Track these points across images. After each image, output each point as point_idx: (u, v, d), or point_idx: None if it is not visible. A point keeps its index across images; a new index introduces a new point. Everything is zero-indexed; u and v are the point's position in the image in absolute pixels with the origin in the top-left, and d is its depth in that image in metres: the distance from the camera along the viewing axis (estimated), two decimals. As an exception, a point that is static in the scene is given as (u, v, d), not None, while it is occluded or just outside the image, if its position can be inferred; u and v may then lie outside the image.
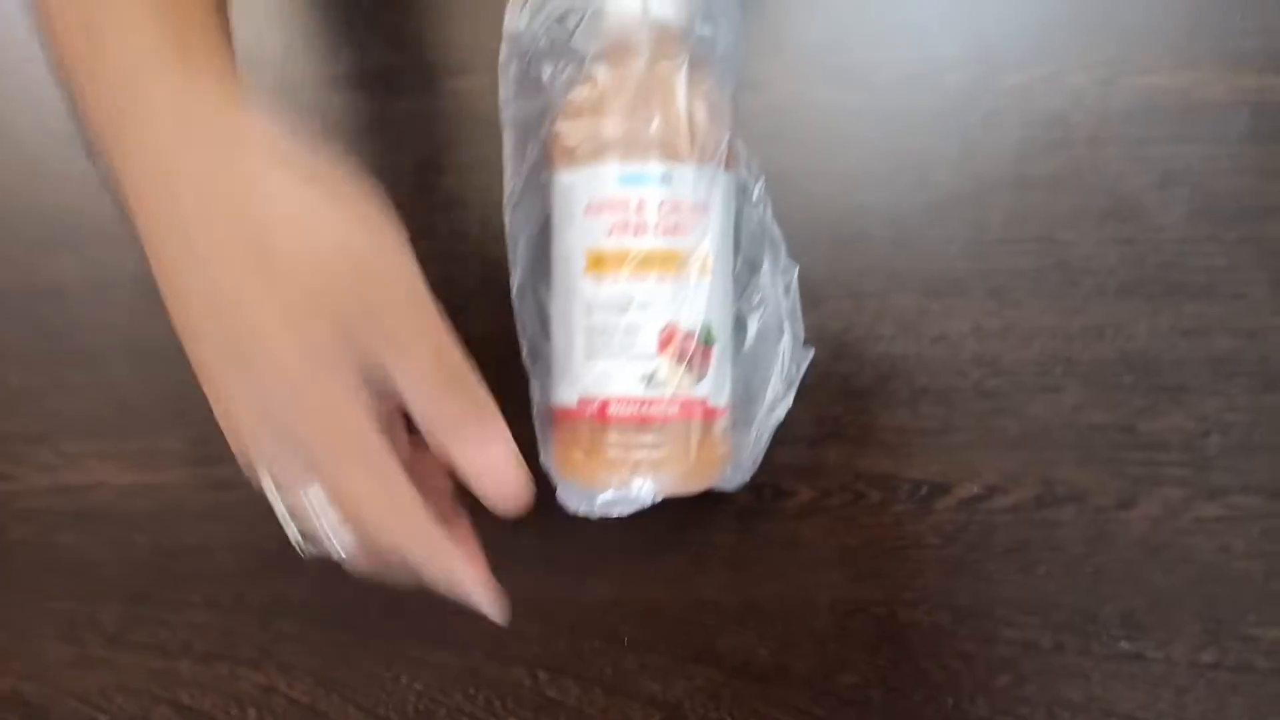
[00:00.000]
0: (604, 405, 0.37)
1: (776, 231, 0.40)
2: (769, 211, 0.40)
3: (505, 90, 0.38)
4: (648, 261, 0.36)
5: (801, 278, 0.42)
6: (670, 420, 0.37)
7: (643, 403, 0.37)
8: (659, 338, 0.36)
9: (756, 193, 0.40)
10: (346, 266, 0.27)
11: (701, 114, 0.37)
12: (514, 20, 0.38)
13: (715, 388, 0.38)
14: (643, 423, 0.37)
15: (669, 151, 0.36)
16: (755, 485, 0.43)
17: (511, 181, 0.39)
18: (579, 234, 0.37)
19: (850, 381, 0.42)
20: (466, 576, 0.30)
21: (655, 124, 0.36)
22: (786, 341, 0.40)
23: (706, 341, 0.37)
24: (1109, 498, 0.41)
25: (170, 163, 0.27)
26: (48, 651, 0.45)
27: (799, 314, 0.40)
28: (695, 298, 0.37)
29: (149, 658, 0.45)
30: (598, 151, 0.37)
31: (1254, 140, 0.40)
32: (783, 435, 0.43)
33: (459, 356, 0.29)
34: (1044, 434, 0.41)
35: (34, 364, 0.46)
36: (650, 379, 0.37)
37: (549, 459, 0.39)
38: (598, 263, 0.37)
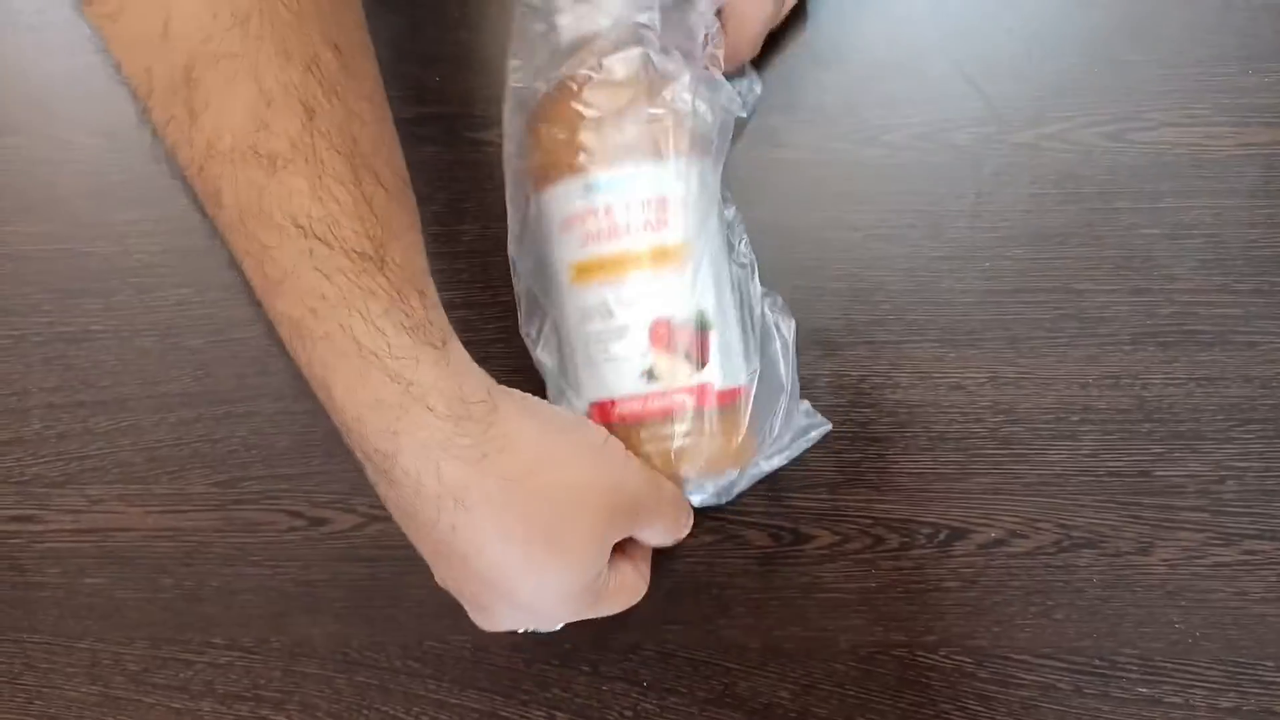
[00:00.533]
0: (611, 406, 0.38)
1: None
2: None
3: (509, 145, 0.39)
4: (622, 262, 0.37)
5: (820, 327, 0.43)
6: (685, 409, 0.38)
7: (647, 398, 0.37)
8: (650, 333, 0.37)
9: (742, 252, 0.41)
10: (615, 501, 0.36)
11: (648, 111, 0.38)
12: (514, 76, 0.39)
13: (723, 370, 0.38)
14: (663, 415, 0.38)
15: (623, 154, 0.37)
16: (775, 530, 0.44)
17: (513, 222, 0.41)
18: (560, 250, 0.39)
19: (869, 428, 0.43)
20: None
21: (606, 130, 0.37)
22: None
23: (701, 327, 0.38)
24: (1127, 542, 0.42)
25: (442, 454, 0.32)
26: (72, 691, 0.46)
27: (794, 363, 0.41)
28: (680, 288, 0.38)
29: (172, 698, 0.46)
30: (559, 167, 0.38)
31: (1265, 194, 0.41)
32: (802, 481, 0.44)
33: (678, 494, 0.39)
34: (1061, 480, 0.42)
35: (60, 408, 0.47)
36: (650, 374, 0.37)
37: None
38: (581, 273, 0.38)
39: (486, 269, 0.44)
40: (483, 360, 0.45)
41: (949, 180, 0.43)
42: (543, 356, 0.41)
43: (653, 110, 0.37)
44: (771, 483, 0.43)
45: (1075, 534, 0.42)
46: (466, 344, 0.45)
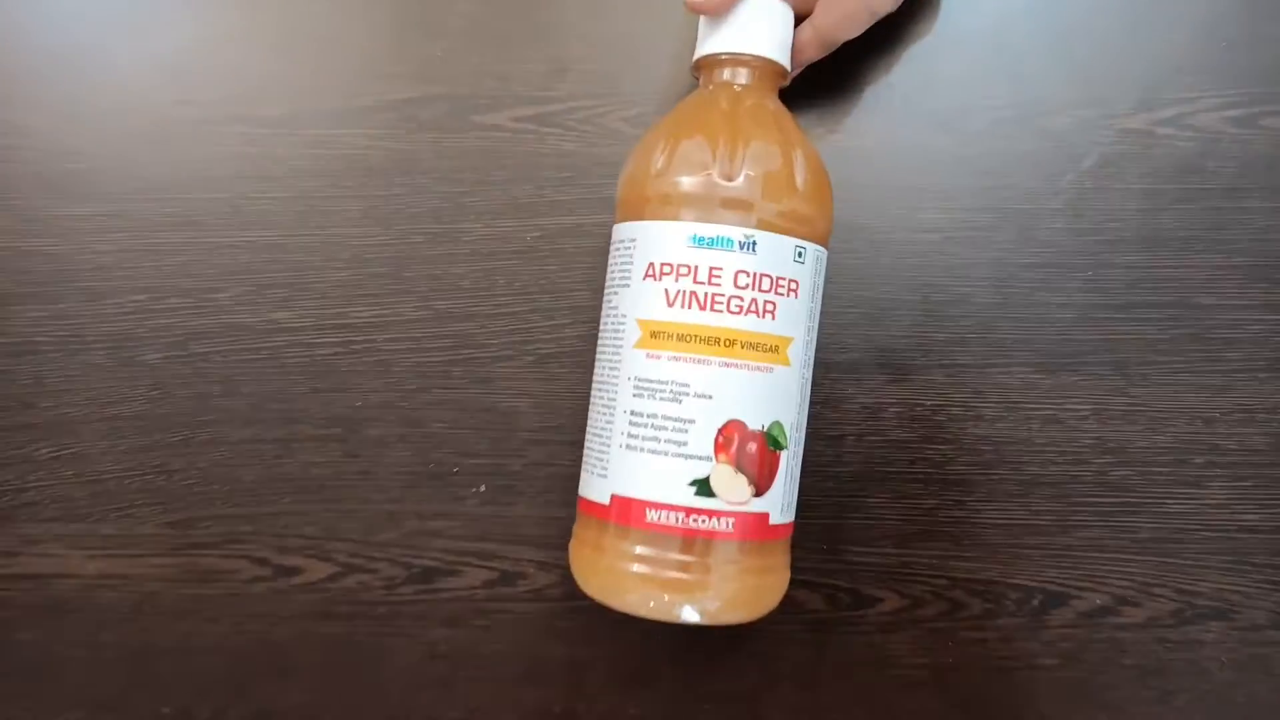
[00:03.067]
0: (641, 509, 0.32)
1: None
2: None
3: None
4: (715, 342, 0.32)
5: (887, 347, 0.36)
6: (719, 537, 0.32)
7: (689, 512, 0.31)
8: (717, 437, 0.31)
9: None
10: None
11: (804, 170, 0.32)
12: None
13: (780, 502, 0.33)
14: (687, 537, 0.32)
15: (758, 214, 0.32)
16: (831, 590, 0.37)
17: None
18: (634, 299, 0.33)
19: (945, 469, 0.36)
20: None
21: (745, 176, 0.32)
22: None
23: (775, 446, 0.32)
24: (1263, 614, 0.35)
25: None
26: (-6, 770, 0.39)
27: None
28: (769, 393, 0.32)
29: (111, 782, 0.38)
30: (669, 203, 0.32)
31: None
32: (865, 531, 0.37)
33: None
34: (1183, 536, 0.35)
35: (-2, 432, 0.40)
36: (702, 486, 0.31)
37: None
38: (654, 336, 0.32)
39: (491, 276, 0.38)
40: (486, 382, 0.38)
41: (1043, 173, 0.37)
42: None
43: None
44: (825, 532, 0.36)
45: (1199, 603, 0.35)
46: (466, 362, 0.38)
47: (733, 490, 0.31)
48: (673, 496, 0.31)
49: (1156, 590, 0.36)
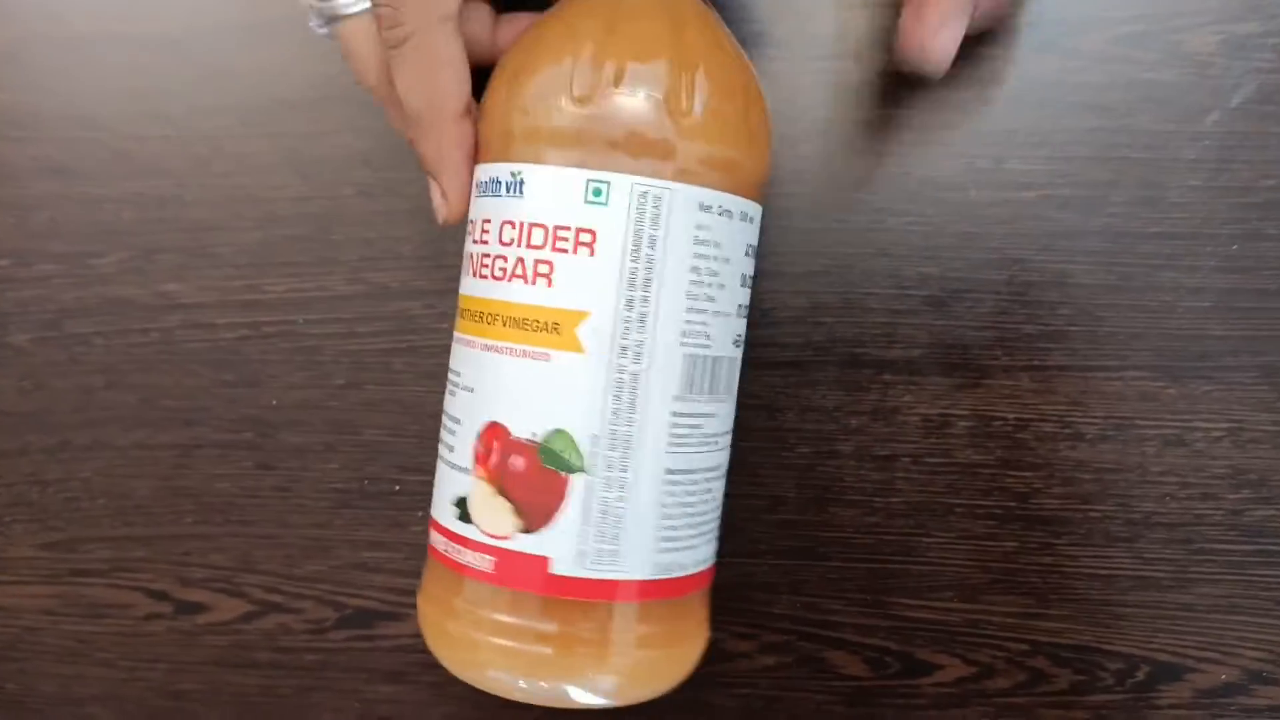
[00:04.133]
0: (431, 528, 0.26)
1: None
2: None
3: None
4: (479, 318, 0.25)
5: (960, 342, 0.28)
6: (471, 575, 0.25)
7: (451, 539, 0.25)
8: (476, 444, 0.25)
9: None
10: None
11: (637, 64, 0.23)
12: None
13: (577, 547, 0.24)
14: (450, 568, 0.25)
15: (536, 141, 0.24)
16: (875, 653, 0.29)
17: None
18: (463, 269, 0.27)
19: (1031, 503, 0.29)
20: (448, 172, 0.26)
21: (529, 88, 0.24)
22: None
23: (555, 465, 0.24)
24: None
25: None
26: None
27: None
28: (545, 390, 0.24)
29: None
30: (483, 142, 0.26)
31: None
32: (919, 578, 0.29)
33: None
34: None
35: None
36: (460, 507, 0.25)
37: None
38: (461, 315, 0.26)
39: (439, 241, 0.29)
40: (433, 377, 0.30)
41: (1176, 111, 0.27)
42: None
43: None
44: (869, 579, 0.28)
45: (1361, 683, 0.27)
46: (408, 352, 0.30)
47: (492, 518, 0.24)
48: (441, 515, 0.25)
49: (1304, 666, 0.27)
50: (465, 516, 0.24)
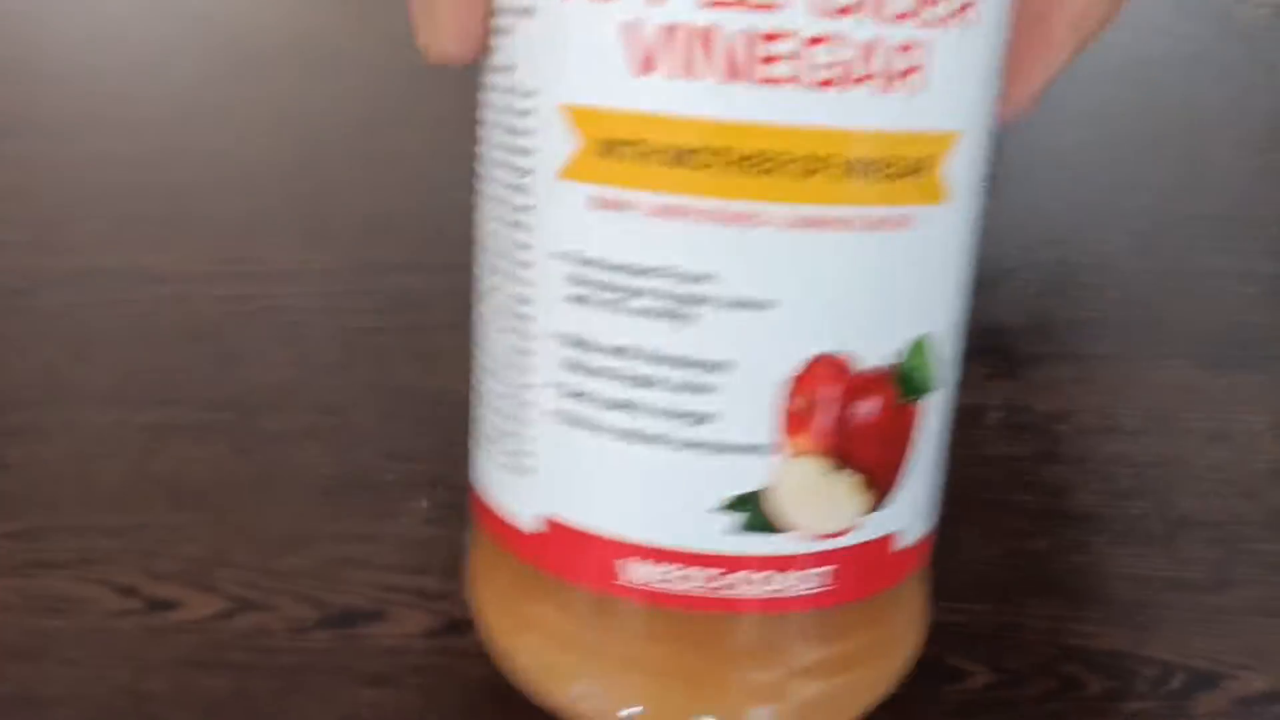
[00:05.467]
0: (606, 559, 0.16)
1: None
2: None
3: None
4: (781, 166, 0.14)
5: (993, 325, 0.26)
6: (791, 607, 0.16)
7: (725, 567, 0.16)
8: (790, 396, 0.15)
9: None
10: None
11: None
12: None
13: (919, 501, 0.18)
14: (718, 610, 0.16)
15: None
16: None
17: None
18: (547, 55, 0.15)
19: (1064, 500, 0.28)
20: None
21: None
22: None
23: (913, 392, 0.16)
24: None
25: None
26: None
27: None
28: (907, 277, 0.15)
29: None
30: None
31: None
32: (947, 581, 0.27)
33: None
34: None
35: None
36: (752, 511, 0.15)
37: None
38: (607, 152, 0.15)
39: (439, 212, 0.27)
40: (429, 358, 0.28)
41: (1233, 79, 0.25)
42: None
43: None
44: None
45: None
46: (403, 331, 0.28)
47: (830, 508, 0.16)
48: (683, 534, 0.15)
49: (1349, 674, 0.26)
50: (762, 523, 0.15)
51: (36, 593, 0.33)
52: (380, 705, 0.31)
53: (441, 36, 0.15)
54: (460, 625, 0.30)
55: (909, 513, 0.17)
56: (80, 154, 0.29)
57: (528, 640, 0.18)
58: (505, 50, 0.15)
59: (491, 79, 0.16)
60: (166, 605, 0.32)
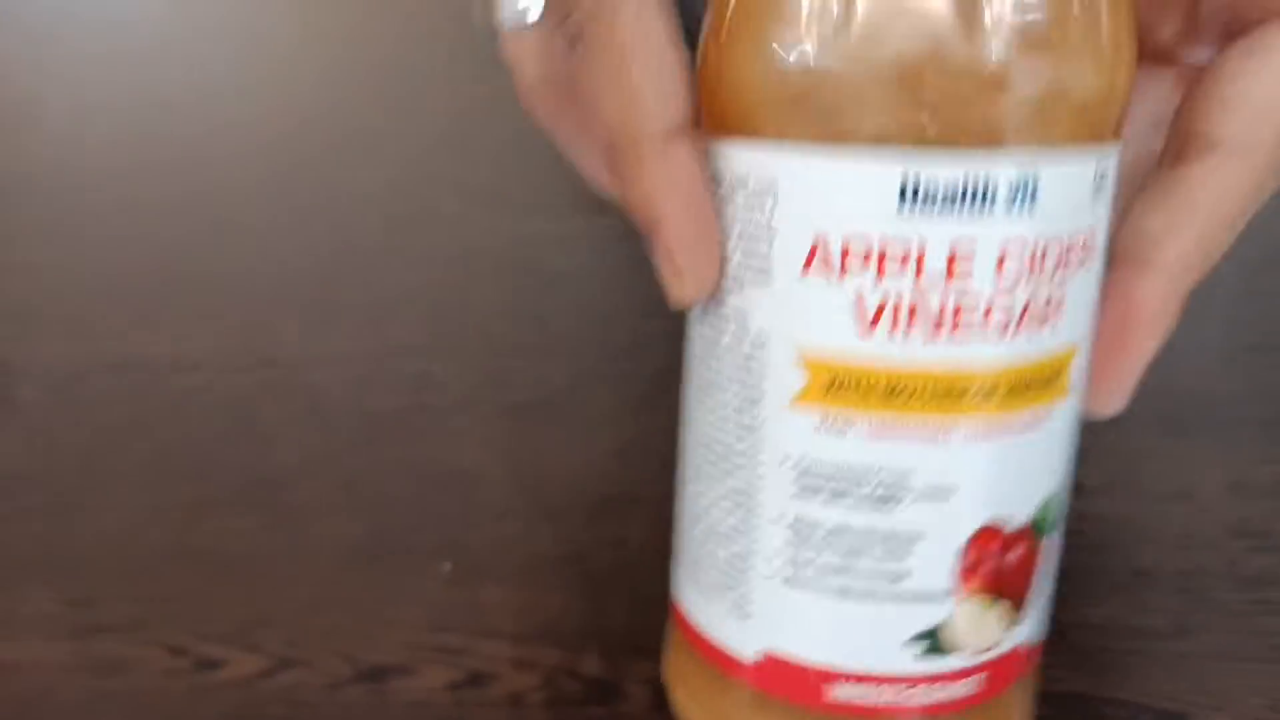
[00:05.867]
0: (818, 683, 0.21)
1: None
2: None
3: None
4: (961, 394, 0.19)
5: None
6: (956, 709, 0.21)
7: (912, 683, 0.20)
8: (965, 558, 0.20)
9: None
10: None
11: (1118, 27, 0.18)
12: None
13: (1039, 614, 0.22)
14: (897, 714, 0.21)
15: (1033, 116, 0.17)
16: None
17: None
18: (785, 309, 0.19)
19: None
20: (682, 233, 0.19)
21: (1008, 29, 0.17)
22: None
23: (1042, 534, 0.21)
24: None
25: None
26: None
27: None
28: (1043, 458, 0.20)
29: None
30: (857, 107, 0.17)
31: None
32: None
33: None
34: None
35: None
36: (933, 640, 0.20)
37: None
38: (836, 389, 0.19)
39: (455, 296, 0.29)
40: (447, 436, 0.30)
41: None
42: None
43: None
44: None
45: (1364, 732, 0.27)
46: (422, 410, 0.30)
47: (983, 631, 0.20)
48: (880, 662, 0.20)
49: (1305, 713, 0.28)
50: (940, 648, 0.20)
51: (90, 655, 0.35)
52: (409, 754, 0.34)
53: (688, 290, 0.19)
54: (480, 678, 0.32)
55: (1035, 624, 0.22)
56: (117, 248, 0.31)
57: None
58: (733, 300, 0.20)
59: (717, 310, 0.20)
60: (213, 665, 0.34)
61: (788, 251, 0.18)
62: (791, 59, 0.17)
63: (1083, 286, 0.19)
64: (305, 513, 0.31)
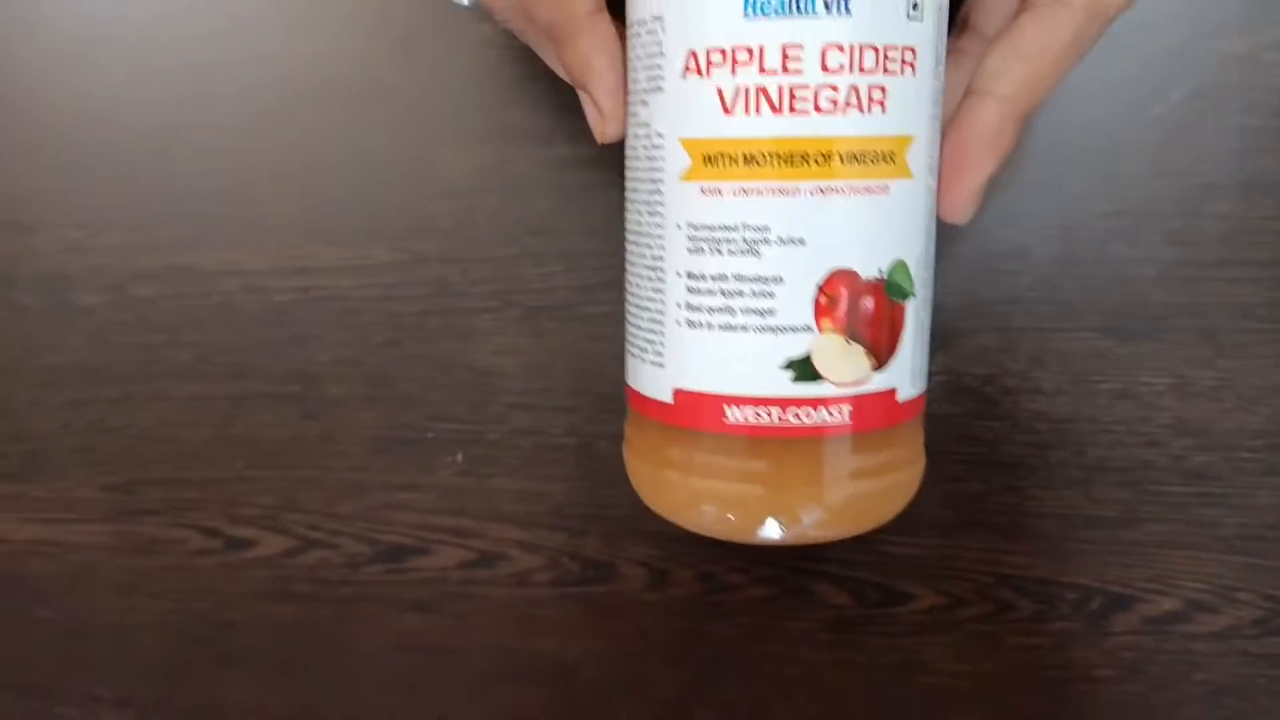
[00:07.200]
0: (716, 408, 0.25)
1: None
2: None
3: None
4: (803, 159, 0.24)
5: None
6: (830, 432, 0.25)
7: (786, 404, 0.24)
8: (818, 297, 0.24)
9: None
10: None
11: None
12: None
13: (909, 369, 0.26)
14: (785, 437, 0.25)
15: None
16: (857, 584, 0.33)
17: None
18: (671, 109, 0.25)
19: (997, 450, 0.33)
20: (595, 78, 0.25)
21: None
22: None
23: (898, 295, 0.25)
24: None
25: None
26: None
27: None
28: (887, 222, 0.24)
29: (42, 772, 0.34)
30: None
31: None
32: (900, 519, 0.31)
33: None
34: (1274, 534, 0.30)
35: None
36: (801, 367, 0.24)
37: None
38: (709, 162, 0.24)
39: (472, 213, 0.32)
40: (465, 336, 0.33)
41: (1123, 104, 0.30)
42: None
43: None
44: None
45: (1290, 611, 0.30)
46: (443, 313, 0.33)
47: (845, 367, 0.24)
48: (761, 386, 0.24)
49: (1239, 595, 0.31)
50: (809, 375, 0.24)
51: (131, 536, 0.38)
52: (423, 630, 0.36)
53: (610, 128, 0.25)
54: (490, 558, 0.35)
55: (901, 377, 0.25)
56: (170, 169, 0.34)
57: (667, 474, 0.26)
58: (643, 114, 0.25)
59: (633, 129, 0.26)
60: (244, 544, 0.37)
61: (672, 64, 0.24)
62: None
63: (908, 88, 0.23)
64: (334, 407, 0.34)
